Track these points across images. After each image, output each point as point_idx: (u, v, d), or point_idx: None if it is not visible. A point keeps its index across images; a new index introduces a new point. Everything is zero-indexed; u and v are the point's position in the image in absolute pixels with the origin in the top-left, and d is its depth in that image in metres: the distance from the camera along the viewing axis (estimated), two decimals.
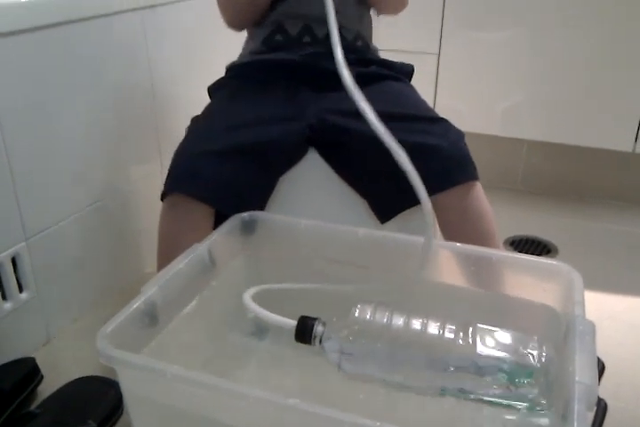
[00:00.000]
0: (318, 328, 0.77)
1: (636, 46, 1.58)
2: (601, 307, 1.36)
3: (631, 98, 1.63)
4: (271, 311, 0.82)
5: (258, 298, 0.85)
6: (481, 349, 0.72)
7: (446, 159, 0.99)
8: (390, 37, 1.30)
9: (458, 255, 0.88)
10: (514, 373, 0.70)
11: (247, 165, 1.00)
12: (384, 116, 1.04)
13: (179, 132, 1.09)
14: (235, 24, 1.20)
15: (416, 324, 0.75)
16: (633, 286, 1.45)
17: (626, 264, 1.55)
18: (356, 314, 0.78)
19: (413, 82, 1.24)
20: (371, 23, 1.25)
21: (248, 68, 1.17)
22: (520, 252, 1.58)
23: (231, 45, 1.25)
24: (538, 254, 1.57)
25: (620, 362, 1.19)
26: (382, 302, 0.79)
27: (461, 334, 0.73)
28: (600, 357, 1.12)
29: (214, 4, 1.20)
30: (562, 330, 0.74)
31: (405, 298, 0.81)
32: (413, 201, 0.94)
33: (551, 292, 0.81)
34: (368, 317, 0.77)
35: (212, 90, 1.19)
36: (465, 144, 1.04)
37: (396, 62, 1.20)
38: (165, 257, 1.01)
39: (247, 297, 0.84)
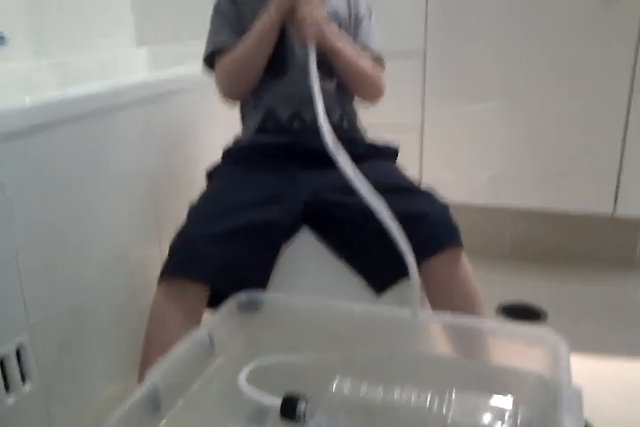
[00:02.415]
0: (301, 406, 0.78)
1: (607, 116, 1.66)
2: (589, 370, 1.38)
3: (606, 164, 1.69)
4: (269, 386, 0.84)
5: (258, 374, 0.88)
6: (455, 416, 0.75)
7: (434, 226, 1.04)
8: (375, 113, 1.38)
9: (446, 325, 0.92)
10: None
11: (247, 245, 1.04)
12: (377, 192, 1.10)
13: (177, 216, 1.13)
14: (231, 94, 1.27)
15: (393, 394, 0.78)
16: (620, 348, 1.47)
17: (613, 326, 1.58)
18: (334, 388, 0.81)
19: (400, 154, 1.31)
20: (355, 104, 1.32)
21: (243, 151, 1.24)
22: (511, 318, 1.62)
23: (226, 131, 1.32)
24: (528, 320, 1.61)
25: (610, 425, 1.19)
26: (362, 373, 0.82)
27: (436, 401, 0.76)
28: (589, 420, 1.14)
29: (209, 94, 1.28)
30: (550, 397, 0.76)
31: (394, 369, 0.84)
32: (406, 272, 1.00)
33: (538, 359, 0.84)
34: (346, 391, 0.80)
35: (210, 174, 1.25)
36: (450, 213, 1.09)
37: (381, 144, 1.27)
38: (154, 336, 1.04)
39: (242, 379, 0.87)
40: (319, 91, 1.03)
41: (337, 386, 0.81)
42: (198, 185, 1.22)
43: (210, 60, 1.27)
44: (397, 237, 0.88)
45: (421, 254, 0.99)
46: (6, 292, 1.11)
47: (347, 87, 1.27)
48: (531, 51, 1.69)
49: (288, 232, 1.11)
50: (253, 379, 0.87)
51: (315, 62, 1.08)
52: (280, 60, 1.22)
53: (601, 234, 1.92)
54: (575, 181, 1.74)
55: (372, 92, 1.29)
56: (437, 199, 1.10)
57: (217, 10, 1.28)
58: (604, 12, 1.59)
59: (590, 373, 1.37)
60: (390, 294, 1.09)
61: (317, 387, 0.82)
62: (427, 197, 1.10)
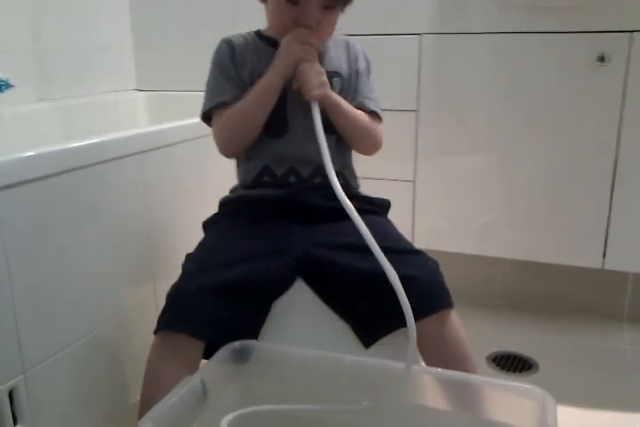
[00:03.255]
0: None
1: (595, 172, 1.70)
2: (581, 421, 1.39)
3: (595, 219, 1.72)
4: None
5: (247, 424, 0.89)
6: None
7: (425, 289, 1.07)
8: (369, 167, 1.42)
9: (438, 380, 0.93)
10: None
11: (241, 299, 1.06)
12: (368, 250, 1.13)
13: (173, 264, 1.16)
14: (227, 150, 1.26)
15: None
16: (612, 399, 1.48)
17: (604, 378, 1.59)
18: None
19: (393, 207, 1.34)
20: (351, 161, 1.34)
21: (239, 204, 1.26)
22: (501, 368, 1.63)
23: (222, 181, 1.34)
24: (519, 371, 1.62)
25: None
26: (351, 425, 0.83)
27: None
28: None
29: (205, 145, 1.31)
30: None
31: (383, 420, 0.86)
32: (393, 327, 1.05)
33: (525, 415, 0.86)
34: None
35: (206, 225, 1.27)
36: (441, 273, 1.11)
37: (374, 198, 1.30)
38: (150, 388, 1.05)
39: (224, 424, 0.88)
40: (326, 146, 1.05)
41: None
42: (195, 233, 1.24)
43: (207, 116, 1.27)
44: (399, 289, 0.91)
45: (414, 317, 1.01)
46: (2, 335, 1.12)
47: (345, 142, 1.29)
48: (520, 108, 1.74)
49: (281, 287, 1.13)
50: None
51: (320, 120, 1.09)
52: (278, 121, 1.23)
53: (592, 286, 1.94)
54: (565, 234, 1.77)
55: (371, 146, 1.31)
56: (428, 260, 1.12)
57: (215, 64, 1.27)
58: (594, 72, 1.64)
59: (580, 424, 1.38)
60: (380, 347, 1.11)
61: None
62: (418, 257, 1.13)
